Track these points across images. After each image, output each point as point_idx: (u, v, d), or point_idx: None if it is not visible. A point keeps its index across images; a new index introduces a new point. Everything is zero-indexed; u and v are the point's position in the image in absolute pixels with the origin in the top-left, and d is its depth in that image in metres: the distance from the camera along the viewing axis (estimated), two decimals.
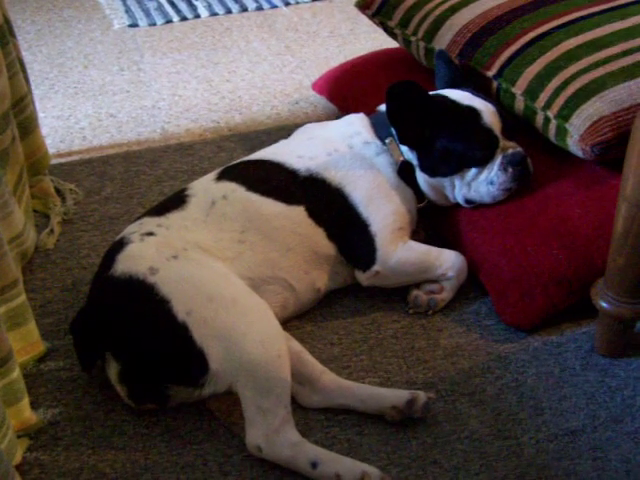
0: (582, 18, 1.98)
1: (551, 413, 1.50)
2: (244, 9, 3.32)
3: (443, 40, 2.06)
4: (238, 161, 1.79)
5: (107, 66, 2.84)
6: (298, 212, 1.65)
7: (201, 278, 1.46)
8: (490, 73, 1.92)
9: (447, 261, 1.70)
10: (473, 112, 1.72)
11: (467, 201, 1.75)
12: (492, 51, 1.94)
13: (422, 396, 1.45)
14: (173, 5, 3.34)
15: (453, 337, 1.66)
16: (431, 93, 1.79)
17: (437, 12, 2.12)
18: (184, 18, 3.24)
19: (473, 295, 1.75)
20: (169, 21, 3.22)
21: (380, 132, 1.77)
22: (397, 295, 1.74)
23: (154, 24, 3.19)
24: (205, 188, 1.67)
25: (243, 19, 3.23)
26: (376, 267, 1.67)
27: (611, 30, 1.92)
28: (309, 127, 1.87)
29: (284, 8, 3.33)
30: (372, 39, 2.96)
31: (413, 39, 2.15)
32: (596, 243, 1.65)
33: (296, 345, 1.51)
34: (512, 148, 1.72)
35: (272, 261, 1.61)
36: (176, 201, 1.64)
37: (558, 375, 1.57)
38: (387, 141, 1.76)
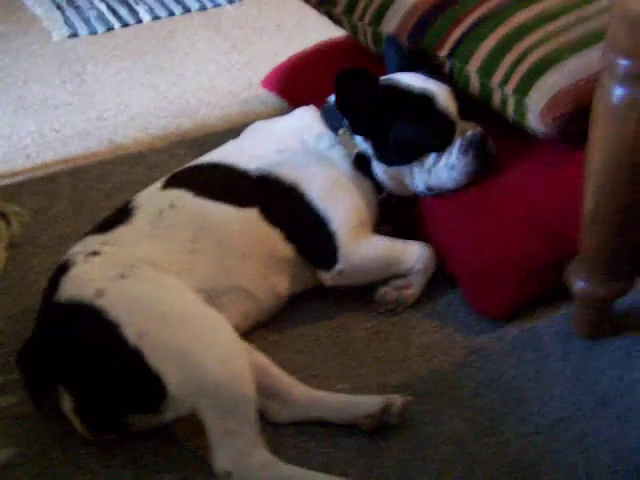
0: None
1: (535, 404, 1.42)
2: (187, 10, 3.20)
3: (391, 23, 1.97)
4: (185, 167, 1.69)
5: (48, 79, 2.72)
6: (252, 215, 1.56)
7: (151, 297, 1.37)
8: (442, 53, 1.84)
9: (413, 254, 1.62)
10: (426, 95, 1.64)
11: (428, 188, 1.67)
12: (443, 30, 1.86)
13: (397, 401, 1.37)
14: (114, 12, 3.22)
15: (426, 333, 1.58)
16: (381, 79, 1.71)
17: None
18: (126, 24, 3.12)
19: (444, 287, 1.67)
20: (110, 28, 3.10)
21: (332, 124, 1.69)
22: (364, 294, 1.65)
23: (95, 32, 3.07)
24: (151, 198, 1.58)
25: (187, 20, 3.12)
26: (339, 266, 1.58)
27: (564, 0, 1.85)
28: (257, 125, 1.78)
29: (228, 6, 3.23)
30: (320, 32, 2.83)
31: (360, 25, 2.06)
32: (567, 223, 1.57)
33: (260, 358, 1.42)
34: (471, 129, 1.64)
35: (227, 269, 1.52)
36: (121, 215, 1.54)
37: (538, 363, 1.50)
38: (340, 132, 1.67)
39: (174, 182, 1.60)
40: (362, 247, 1.59)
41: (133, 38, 3.01)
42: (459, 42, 1.82)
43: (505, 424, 1.39)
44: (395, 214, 1.76)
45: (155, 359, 1.29)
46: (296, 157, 1.64)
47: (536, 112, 1.62)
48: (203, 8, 3.24)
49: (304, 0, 2.21)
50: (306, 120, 1.71)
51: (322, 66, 2.24)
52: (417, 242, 1.64)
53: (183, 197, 1.56)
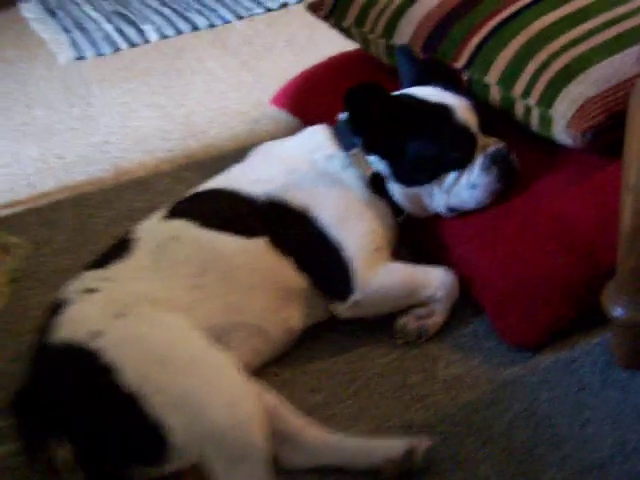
0: None
1: (573, 444, 1.29)
2: (195, 28, 3.14)
3: (404, 35, 1.87)
4: (187, 194, 1.59)
5: (53, 104, 2.66)
6: (260, 244, 1.46)
7: (152, 338, 1.26)
8: (459, 65, 1.73)
9: (435, 280, 1.50)
10: (444, 109, 1.53)
11: (449, 209, 1.56)
12: (458, 40, 1.76)
13: (422, 444, 1.25)
14: (120, 32, 3.16)
15: (451, 366, 1.46)
16: (395, 93, 1.60)
17: (394, 5, 1.93)
18: (133, 44, 3.06)
19: (468, 315, 1.55)
20: (117, 49, 3.04)
21: (344, 143, 1.58)
22: (383, 325, 1.53)
23: (102, 54, 3.00)
24: (152, 230, 1.48)
25: (195, 39, 3.05)
26: (355, 296, 1.47)
27: (589, 1, 1.73)
28: (264, 146, 1.68)
29: (237, 23, 3.15)
30: (332, 45, 2.73)
31: (371, 37, 1.96)
32: (600, 241, 1.45)
33: (271, 399, 1.31)
34: (494, 144, 1.53)
35: (235, 305, 1.41)
36: (119, 249, 1.44)
37: (575, 397, 1.37)
38: (352, 152, 1.56)
39: (176, 212, 1.50)
40: (380, 275, 1.48)
41: (140, 58, 2.93)
42: (476, 52, 1.72)
43: (540, 467, 1.26)
44: (414, 237, 1.65)
45: (156, 406, 1.19)
46: (306, 180, 1.53)
47: (563, 125, 1.51)
48: (211, 26, 3.17)
49: (312, 13, 2.11)
50: (317, 139, 1.61)
51: (334, 81, 2.13)
52: (438, 267, 1.53)
53: (186, 228, 1.45)
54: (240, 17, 3.19)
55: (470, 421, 1.35)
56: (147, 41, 3.09)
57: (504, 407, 1.37)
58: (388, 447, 1.26)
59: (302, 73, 2.29)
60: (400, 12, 1.90)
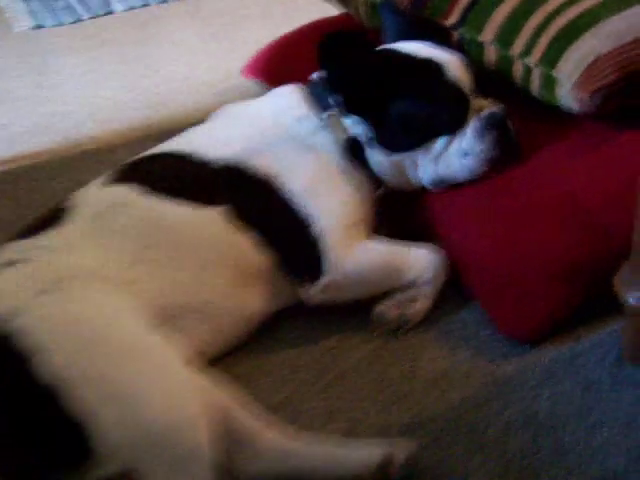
0: None
1: (578, 451, 1.10)
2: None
3: None
4: (134, 158, 1.38)
5: (5, 72, 2.43)
6: (217, 215, 1.25)
7: (82, 319, 1.05)
8: (450, 22, 1.54)
9: (419, 260, 1.30)
10: (434, 65, 1.33)
11: (438, 181, 1.36)
12: None
13: (402, 451, 1.05)
14: (83, 3, 2.93)
15: (437, 360, 1.25)
16: (378, 48, 1.40)
17: None
18: (96, 15, 2.84)
19: (459, 301, 1.35)
20: (79, 19, 2.82)
21: (318, 103, 1.38)
22: (359, 311, 1.33)
23: (61, 24, 2.78)
24: (91, 196, 1.27)
25: (163, 10, 2.84)
26: (327, 277, 1.27)
27: None
28: (227, 108, 1.47)
29: None
30: (309, 17, 2.55)
31: None
32: (611, 217, 1.25)
33: (223, 396, 1.10)
34: (489, 107, 1.33)
35: (186, 284, 1.20)
36: (52, 217, 1.23)
37: (581, 396, 1.17)
38: (327, 113, 1.36)
39: (120, 177, 1.30)
40: (355, 253, 1.28)
41: (103, 29, 2.72)
42: (469, 8, 1.52)
43: (542, 478, 1.07)
44: (395, 214, 1.45)
45: (81, 400, 0.97)
46: (273, 143, 1.33)
47: (568, 86, 1.32)
48: None
49: None
50: (287, 99, 1.41)
51: (312, 47, 1.92)
52: (424, 245, 1.33)
53: (129, 195, 1.25)
54: None
55: (458, 424, 1.15)
56: (112, 12, 2.87)
57: (499, 408, 1.17)
58: (362, 455, 1.06)
59: (277, 40, 2.08)
60: None
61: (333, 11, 1.99)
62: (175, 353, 1.05)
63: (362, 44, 1.32)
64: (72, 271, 1.12)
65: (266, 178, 1.29)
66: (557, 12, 1.41)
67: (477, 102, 1.34)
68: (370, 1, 1.70)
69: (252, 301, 1.28)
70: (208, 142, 1.33)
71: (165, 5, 2.88)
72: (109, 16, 2.83)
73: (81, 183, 1.76)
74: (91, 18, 2.81)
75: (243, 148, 1.31)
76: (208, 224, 1.24)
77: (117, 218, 1.21)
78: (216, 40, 2.51)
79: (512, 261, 1.26)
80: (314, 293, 1.29)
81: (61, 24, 2.78)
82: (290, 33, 2.06)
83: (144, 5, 2.89)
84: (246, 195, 1.28)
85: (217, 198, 1.26)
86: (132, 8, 2.88)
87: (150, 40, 2.59)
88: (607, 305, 1.22)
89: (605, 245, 1.24)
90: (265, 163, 1.30)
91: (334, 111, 1.36)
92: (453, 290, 1.35)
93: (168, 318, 1.16)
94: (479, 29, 1.48)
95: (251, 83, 2.12)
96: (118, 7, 2.88)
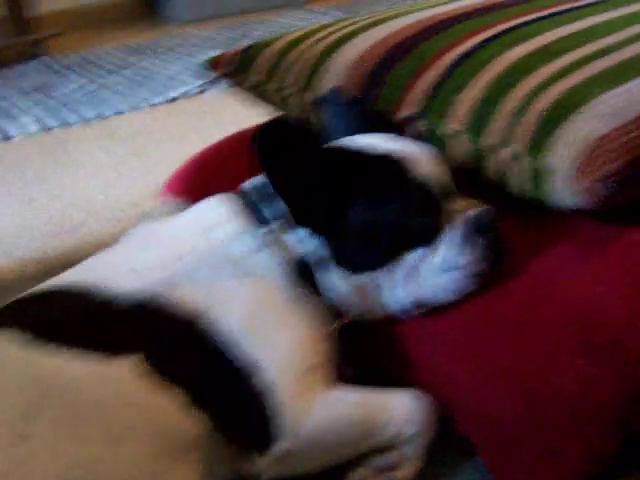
0: (523, 24, 1.41)
1: None
2: (84, 119, 2.68)
3: (331, 85, 1.43)
4: (19, 296, 1.06)
5: None
6: (128, 369, 0.93)
7: None
8: (406, 113, 1.29)
9: (399, 411, 1.00)
10: (399, 160, 1.06)
11: (412, 306, 1.07)
12: (403, 82, 1.32)
13: None
14: None
15: None
16: (330, 145, 1.13)
17: (315, 51, 1.50)
18: (8, 137, 2.58)
19: (454, 459, 1.04)
20: None
21: (257, 216, 1.09)
22: None
23: None
24: None
25: (82, 131, 2.59)
26: (281, 445, 0.95)
27: (567, 32, 1.35)
28: (143, 227, 1.17)
29: (131, 113, 2.70)
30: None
31: (289, 92, 1.51)
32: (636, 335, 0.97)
33: None
34: (472, 208, 1.06)
35: (88, 464, 0.87)
36: None
37: None
38: (268, 229, 1.07)
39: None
40: (315, 409, 0.96)
41: (15, 150, 2.44)
42: (431, 95, 1.28)
43: None
44: (363, 350, 1.14)
45: None
46: (200, 269, 1.03)
47: (569, 175, 1.06)
48: (101, 117, 2.71)
49: (212, 69, 1.66)
50: (214, 214, 1.12)
51: (242, 157, 1.65)
52: (403, 390, 1.02)
53: (8, 344, 0.92)
54: (135, 108, 2.76)
55: None
56: (26, 133, 2.61)
57: None
58: None
59: (204, 152, 1.81)
60: (324, 58, 1.47)
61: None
62: None
63: (308, 138, 1.04)
64: None
65: (191, 315, 0.98)
66: (536, 93, 1.17)
67: (458, 202, 1.07)
68: (311, 98, 1.45)
69: (183, 478, 0.94)
70: (115, 271, 1.03)
71: (85, 125, 2.63)
72: (23, 137, 2.57)
73: None
74: (3, 140, 2.54)
75: (161, 278, 1.01)
76: (116, 381, 0.92)
77: None
78: (136, 159, 2.25)
79: (520, 400, 0.96)
80: (265, 465, 0.96)
81: None
82: (214, 145, 1.81)
83: (63, 125, 2.65)
84: (166, 340, 0.96)
85: (128, 345, 0.94)
86: (50, 129, 2.63)
87: (65, 161, 2.33)
88: None
89: (633, 374, 0.95)
90: (189, 296, 0.99)
91: (275, 225, 1.07)
92: (446, 445, 1.03)
93: None
94: (444, 118, 1.24)
95: (173, 204, 1.85)
96: (32, 128, 2.65)
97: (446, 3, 1.60)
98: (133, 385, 0.92)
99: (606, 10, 1.46)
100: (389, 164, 1.06)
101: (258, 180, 1.12)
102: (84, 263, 1.10)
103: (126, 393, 0.92)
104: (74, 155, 2.35)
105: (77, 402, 0.90)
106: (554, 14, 1.47)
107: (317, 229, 1.04)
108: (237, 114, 2.25)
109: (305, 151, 1.02)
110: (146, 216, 1.85)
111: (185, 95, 2.87)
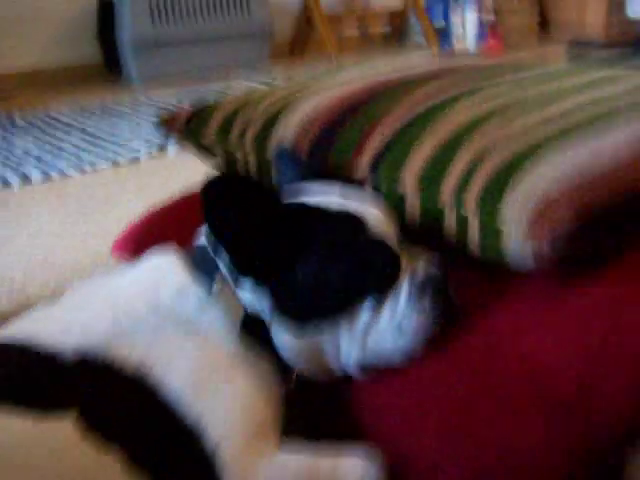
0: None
1: None
2: (27, 180, 2.62)
3: (281, 145, 1.42)
4: None
5: None
6: (65, 428, 0.88)
7: None
8: (359, 174, 1.28)
9: (352, 472, 0.95)
10: (350, 215, 1.05)
11: (366, 364, 1.04)
12: (352, 143, 1.32)
13: None
14: None
15: None
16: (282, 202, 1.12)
17: (265, 113, 1.50)
18: None
19: None
20: None
21: (204, 272, 1.06)
22: None
23: None
24: None
25: (25, 191, 2.53)
26: None
27: (514, 100, 1.37)
28: (83, 282, 1.13)
29: (78, 175, 2.66)
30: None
31: (240, 155, 1.50)
32: (596, 394, 0.96)
33: None
34: (424, 262, 1.04)
35: None
36: None
37: None
38: (217, 283, 1.04)
39: None
40: (262, 472, 0.92)
41: None
42: (380, 155, 1.28)
43: None
44: (312, 411, 1.10)
45: None
46: (142, 327, 0.99)
47: (519, 234, 1.05)
48: (47, 177, 2.66)
49: (164, 129, 1.65)
50: (163, 269, 1.08)
51: (193, 215, 1.63)
52: (356, 450, 0.98)
53: None
54: (82, 170, 2.72)
55: None
56: None
57: None
58: None
59: (155, 211, 1.78)
60: (273, 120, 1.47)
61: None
62: None
63: (256, 190, 1.02)
64: None
65: (134, 373, 0.93)
66: (487, 151, 1.18)
67: (408, 257, 1.05)
68: (262, 159, 1.44)
69: None
70: (54, 327, 0.98)
71: (29, 185, 2.58)
72: None
73: None
74: None
75: (102, 333, 0.96)
76: (52, 441, 0.87)
77: None
78: (83, 220, 2.21)
79: (482, 464, 0.92)
80: None
81: None
82: (165, 204, 1.78)
83: (4, 185, 2.59)
84: (106, 398, 0.91)
85: (65, 402, 0.89)
86: None
87: (6, 222, 2.26)
88: None
89: (596, 430, 0.92)
90: (133, 352, 0.95)
91: (226, 281, 1.04)
92: None
93: None
94: (396, 179, 1.23)
95: (121, 264, 1.81)
96: None
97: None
98: (71, 445, 0.86)
99: (554, 80, 1.50)
100: (344, 219, 1.05)
101: (210, 233, 1.10)
102: (23, 318, 1.05)
103: (64, 453, 0.86)
104: (14, 216, 2.29)
105: (11, 464, 0.84)
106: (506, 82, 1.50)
107: (263, 283, 1.01)
108: (185, 175, 2.23)
109: (251, 201, 1.00)
110: (90, 277, 1.81)
111: (133, 160, 2.84)
